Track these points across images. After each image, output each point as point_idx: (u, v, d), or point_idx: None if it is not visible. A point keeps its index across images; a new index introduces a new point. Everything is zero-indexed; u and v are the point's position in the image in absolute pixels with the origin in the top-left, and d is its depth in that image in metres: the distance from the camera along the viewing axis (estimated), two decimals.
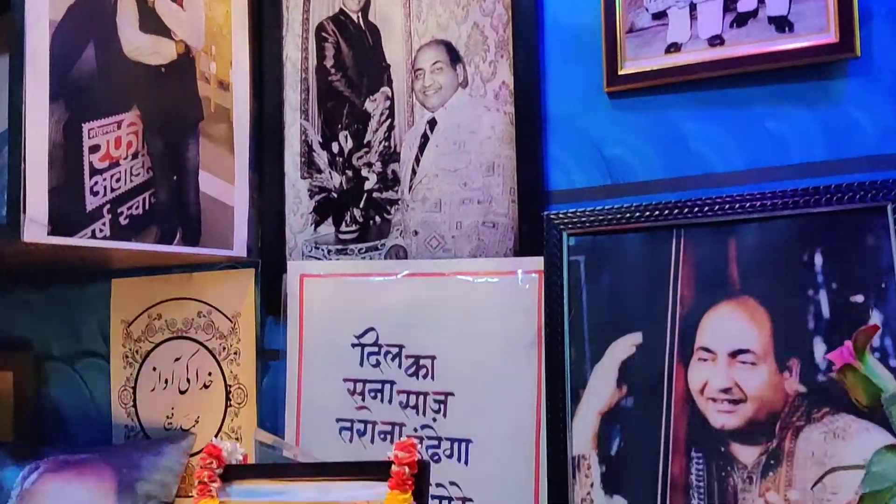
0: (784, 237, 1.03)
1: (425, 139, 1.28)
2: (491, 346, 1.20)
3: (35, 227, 1.06)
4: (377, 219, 1.31)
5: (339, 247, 1.34)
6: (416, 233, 1.28)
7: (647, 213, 1.11)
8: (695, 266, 1.08)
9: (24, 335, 1.62)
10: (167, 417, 1.47)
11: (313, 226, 1.36)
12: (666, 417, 1.06)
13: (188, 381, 1.45)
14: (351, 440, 1.26)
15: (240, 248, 1.37)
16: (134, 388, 1.50)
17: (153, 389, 1.48)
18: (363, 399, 1.26)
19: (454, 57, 1.26)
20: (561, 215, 1.16)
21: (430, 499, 1.18)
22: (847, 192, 1.00)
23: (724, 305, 1.05)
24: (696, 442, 1.04)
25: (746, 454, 1.01)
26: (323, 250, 1.35)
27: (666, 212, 1.10)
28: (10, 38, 1.06)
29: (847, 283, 0.99)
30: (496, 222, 1.23)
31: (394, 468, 0.97)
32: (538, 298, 1.17)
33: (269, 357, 1.39)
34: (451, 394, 1.21)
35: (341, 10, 1.35)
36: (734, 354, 1.04)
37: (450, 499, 1.18)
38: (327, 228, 1.35)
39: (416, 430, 1.22)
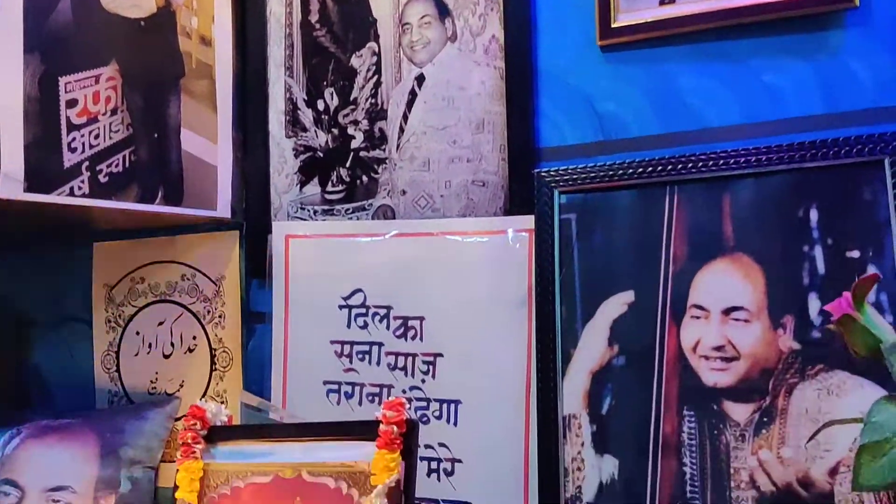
0: (779, 192, 1.01)
1: (413, 96, 1.25)
2: (480, 307, 1.18)
3: (11, 184, 1.03)
4: (364, 178, 1.28)
5: (326, 207, 1.31)
6: (403, 192, 1.25)
7: (640, 170, 1.09)
8: (688, 223, 1.06)
9: (5, 300, 1.59)
10: (151, 382, 1.44)
11: (299, 186, 1.33)
12: (658, 376, 1.04)
13: (172, 345, 1.43)
14: (338, 403, 1.25)
15: (223, 209, 1.34)
16: (117, 353, 1.48)
17: (137, 354, 1.46)
18: (351, 361, 1.24)
19: (443, 10, 1.23)
20: (552, 173, 1.14)
21: (419, 460, 1.17)
22: (844, 146, 0.99)
23: (718, 262, 1.04)
24: (688, 400, 1.03)
25: (739, 412, 1.00)
26: (309, 211, 1.32)
27: (659, 168, 1.08)
28: None
29: (843, 239, 0.97)
30: (486, 181, 1.20)
31: (381, 427, 0.95)
32: (529, 258, 1.15)
33: (255, 320, 1.37)
34: (440, 355, 1.19)
35: None
36: (727, 312, 1.02)
37: (439, 460, 1.17)
38: (313, 188, 1.32)
39: (404, 391, 1.20)
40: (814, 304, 0.98)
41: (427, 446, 1.17)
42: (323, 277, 1.27)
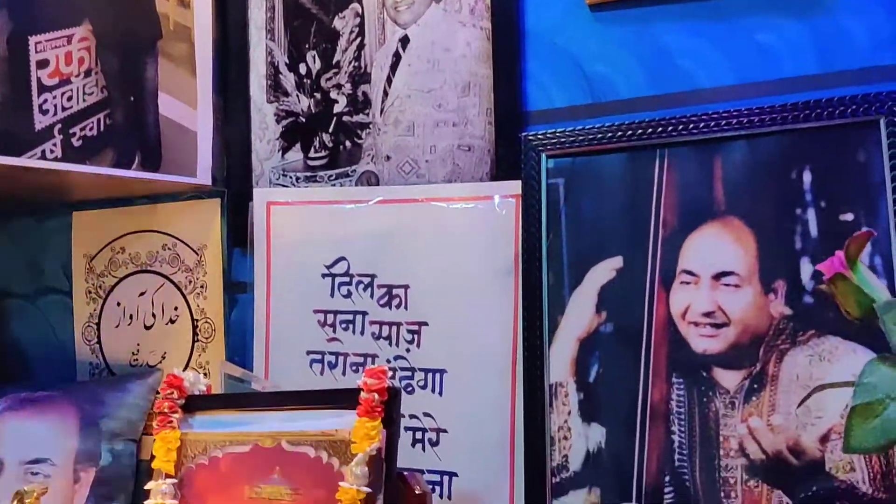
0: (772, 154, 0.99)
1: (397, 58, 1.21)
2: (466, 274, 1.15)
3: None
4: (347, 144, 1.25)
5: (308, 174, 1.28)
6: (388, 158, 1.22)
7: (630, 132, 1.06)
8: (678, 186, 1.03)
9: None
10: (133, 354, 1.42)
11: (281, 152, 1.29)
12: (646, 343, 1.02)
13: (154, 316, 1.40)
14: (322, 373, 1.22)
15: (204, 176, 1.30)
16: (98, 325, 1.45)
17: (118, 325, 1.43)
18: (334, 330, 1.22)
19: None
20: (539, 136, 1.11)
21: (403, 430, 1.15)
22: (838, 106, 0.96)
23: (709, 227, 1.01)
24: (676, 367, 1.00)
25: (729, 379, 0.98)
26: (291, 178, 1.29)
27: (649, 130, 1.05)
28: None
29: (837, 201, 0.95)
30: (472, 145, 1.17)
31: (362, 395, 0.92)
32: (515, 224, 1.12)
33: (237, 290, 1.34)
34: (425, 323, 1.17)
35: None
36: (718, 277, 1.00)
37: (424, 430, 1.15)
38: (295, 155, 1.29)
39: (388, 361, 1.17)
40: (806, 268, 0.95)
41: (412, 416, 1.15)
42: (305, 245, 1.25)
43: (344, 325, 1.22)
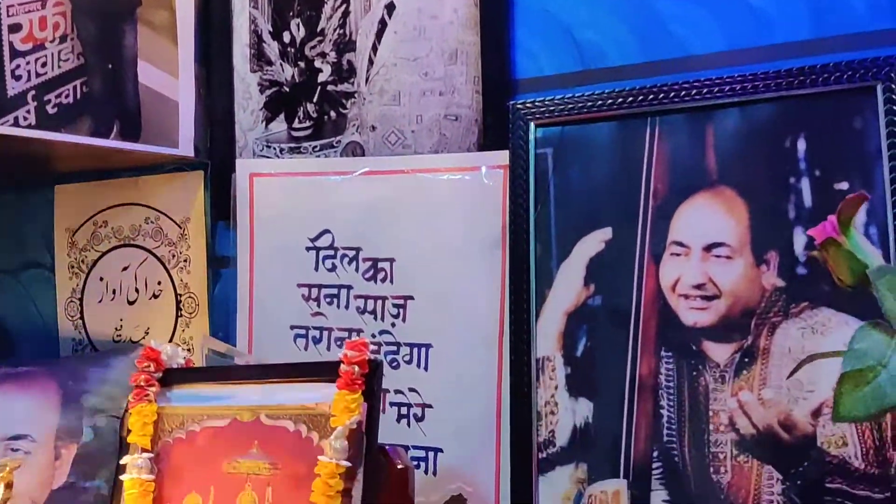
0: (765, 122, 0.96)
1: (383, 25, 1.18)
2: (452, 247, 1.12)
3: None
4: (332, 114, 1.22)
5: (293, 145, 1.25)
6: (373, 128, 1.19)
7: (620, 100, 1.03)
8: (669, 155, 1.00)
9: None
10: (116, 329, 1.39)
11: (264, 123, 1.26)
12: (635, 316, 1.00)
13: (137, 290, 1.38)
14: (306, 348, 1.20)
15: (186, 147, 1.27)
16: (80, 300, 1.43)
17: (100, 300, 1.41)
18: (318, 305, 1.19)
19: None
20: (528, 104, 1.08)
21: (388, 405, 1.13)
22: (834, 72, 0.93)
23: (700, 196, 0.98)
24: (666, 341, 0.98)
25: (719, 352, 0.95)
26: (275, 149, 1.26)
27: (640, 98, 1.02)
28: None
29: (831, 170, 0.92)
30: (459, 115, 1.14)
31: (342, 368, 0.90)
32: (503, 195, 1.10)
33: (221, 264, 1.32)
34: (411, 297, 1.14)
35: None
36: (709, 248, 0.97)
37: (409, 405, 1.13)
38: (279, 125, 1.26)
39: (374, 335, 1.15)
40: (799, 239, 0.92)
41: (397, 391, 1.13)
42: (289, 218, 1.22)
43: (328, 300, 1.19)
